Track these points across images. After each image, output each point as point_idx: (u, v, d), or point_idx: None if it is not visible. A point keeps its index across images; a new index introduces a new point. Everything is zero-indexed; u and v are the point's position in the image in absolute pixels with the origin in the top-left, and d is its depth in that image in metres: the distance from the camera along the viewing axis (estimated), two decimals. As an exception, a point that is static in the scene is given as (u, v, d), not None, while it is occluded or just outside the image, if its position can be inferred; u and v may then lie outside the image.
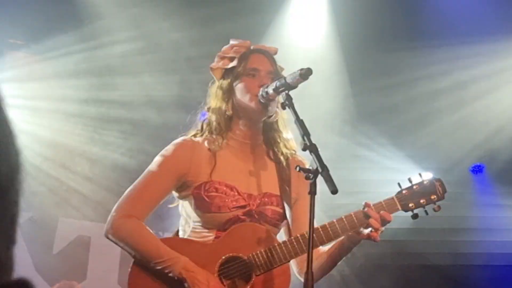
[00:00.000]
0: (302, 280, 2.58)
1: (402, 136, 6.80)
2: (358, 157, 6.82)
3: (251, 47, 3.09)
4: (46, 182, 6.78)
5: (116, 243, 2.93)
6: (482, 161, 7.19)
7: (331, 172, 2.55)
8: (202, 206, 2.93)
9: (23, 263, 6.75)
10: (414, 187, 2.93)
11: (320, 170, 2.56)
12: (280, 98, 2.88)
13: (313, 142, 2.65)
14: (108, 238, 2.94)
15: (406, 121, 6.72)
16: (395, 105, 6.65)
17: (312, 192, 2.58)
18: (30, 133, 6.71)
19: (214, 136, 3.05)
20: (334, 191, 2.51)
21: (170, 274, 2.81)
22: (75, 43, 6.31)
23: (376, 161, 6.72)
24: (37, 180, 6.77)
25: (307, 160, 3.01)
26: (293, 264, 2.97)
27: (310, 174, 2.59)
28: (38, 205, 6.86)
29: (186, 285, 2.80)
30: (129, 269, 2.91)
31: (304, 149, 2.66)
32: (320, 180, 2.57)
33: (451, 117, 6.67)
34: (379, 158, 6.74)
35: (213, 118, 3.07)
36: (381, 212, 2.84)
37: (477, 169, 7.33)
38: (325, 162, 2.58)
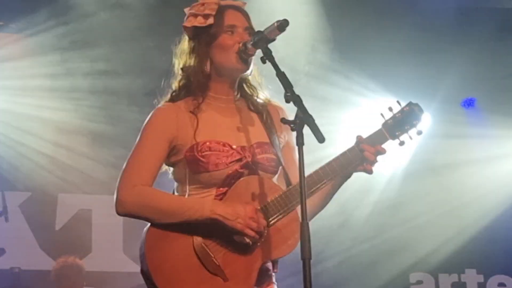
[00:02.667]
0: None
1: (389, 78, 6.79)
2: (347, 104, 6.82)
3: (221, 3, 3.05)
4: (40, 160, 6.77)
5: (132, 215, 2.88)
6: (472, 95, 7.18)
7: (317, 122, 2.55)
8: (198, 167, 2.90)
9: (27, 243, 6.79)
10: (397, 115, 2.95)
11: (305, 120, 2.55)
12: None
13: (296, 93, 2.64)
14: (121, 213, 2.88)
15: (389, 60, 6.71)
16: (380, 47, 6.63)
17: (300, 143, 2.56)
18: (20, 113, 6.69)
19: (192, 97, 3.04)
20: (321, 139, 2.51)
21: (200, 219, 2.78)
22: (53, 18, 6.26)
23: (364, 105, 6.71)
24: (31, 159, 6.76)
25: (283, 105, 3.00)
26: None
27: (295, 126, 2.58)
28: (36, 183, 6.86)
29: (220, 223, 2.77)
30: (144, 236, 2.85)
31: (287, 101, 2.64)
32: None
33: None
34: (367, 102, 6.73)
35: (191, 77, 3.04)
36: (376, 146, 2.89)
37: (469, 103, 7.29)
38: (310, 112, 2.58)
